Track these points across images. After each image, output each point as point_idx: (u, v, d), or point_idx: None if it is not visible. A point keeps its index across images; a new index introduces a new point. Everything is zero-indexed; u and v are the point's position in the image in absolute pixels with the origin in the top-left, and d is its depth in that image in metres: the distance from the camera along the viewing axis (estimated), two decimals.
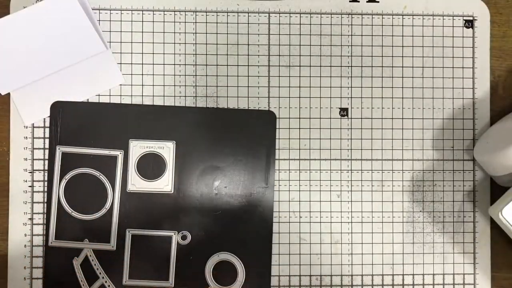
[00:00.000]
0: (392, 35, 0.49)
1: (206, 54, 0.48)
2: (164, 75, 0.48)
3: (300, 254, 0.48)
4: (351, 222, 0.48)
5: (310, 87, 0.48)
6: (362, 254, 0.48)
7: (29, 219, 0.47)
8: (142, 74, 0.48)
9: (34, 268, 0.47)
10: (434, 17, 0.49)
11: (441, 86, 0.49)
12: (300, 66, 0.48)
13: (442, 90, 0.49)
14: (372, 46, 0.49)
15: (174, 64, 0.48)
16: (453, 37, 0.49)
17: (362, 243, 0.48)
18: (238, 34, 0.48)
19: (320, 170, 0.48)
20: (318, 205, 0.48)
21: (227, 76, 0.48)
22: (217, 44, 0.48)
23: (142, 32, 0.48)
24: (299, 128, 0.48)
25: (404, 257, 0.49)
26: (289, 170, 0.48)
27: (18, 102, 0.47)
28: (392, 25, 0.49)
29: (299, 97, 0.48)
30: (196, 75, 0.48)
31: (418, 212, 0.49)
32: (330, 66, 0.48)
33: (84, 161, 0.47)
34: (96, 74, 0.47)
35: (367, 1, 0.49)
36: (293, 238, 0.48)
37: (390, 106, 0.49)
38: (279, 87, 0.48)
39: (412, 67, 0.49)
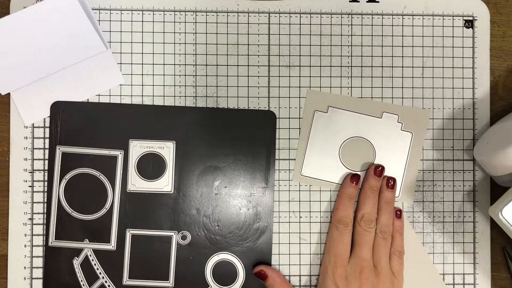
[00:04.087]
0: (392, 35, 0.49)
1: (206, 54, 0.48)
2: (164, 75, 0.48)
3: (300, 254, 0.48)
4: None
5: (310, 87, 0.48)
6: None
7: (29, 219, 0.47)
8: (142, 74, 0.48)
9: (34, 268, 0.47)
10: (434, 17, 0.49)
11: (441, 86, 0.49)
12: (300, 66, 0.48)
13: (442, 90, 0.49)
14: (372, 46, 0.49)
15: (174, 64, 0.48)
16: (453, 37, 0.49)
17: None
18: (238, 34, 0.48)
19: None
20: (318, 205, 0.48)
21: (227, 76, 0.48)
22: (217, 44, 0.48)
23: (142, 32, 0.48)
24: (299, 128, 0.48)
25: None
26: (289, 170, 0.48)
27: (18, 102, 0.47)
28: (392, 25, 0.49)
29: (299, 97, 0.48)
30: (196, 75, 0.48)
31: (418, 212, 0.49)
32: (330, 66, 0.48)
33: (84, 161, 0.47)
34: (96, 74, 0.47)
35: (367, 1, 0.49)
36: (293, 238, 0.48)
37: None
38: (279, 87, 0.48)
39: (412, 67, 0.49)
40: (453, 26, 0.49)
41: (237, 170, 0.47)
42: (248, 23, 0.48)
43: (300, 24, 0.49)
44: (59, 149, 0.47)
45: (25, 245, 0.47)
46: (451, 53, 0.49)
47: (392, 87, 0.49)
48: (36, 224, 0.47)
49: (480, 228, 0.49)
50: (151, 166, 0.47)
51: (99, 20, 0.48)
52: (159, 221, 0.47)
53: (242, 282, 0.47)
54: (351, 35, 0.49)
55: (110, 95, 0.48)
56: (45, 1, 0.44)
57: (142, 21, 0.48)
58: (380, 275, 0.44)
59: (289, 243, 0.48)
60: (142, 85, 0.48)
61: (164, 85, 0.48)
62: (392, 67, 0.49)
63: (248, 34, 0.48)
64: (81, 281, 0.47)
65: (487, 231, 0.49)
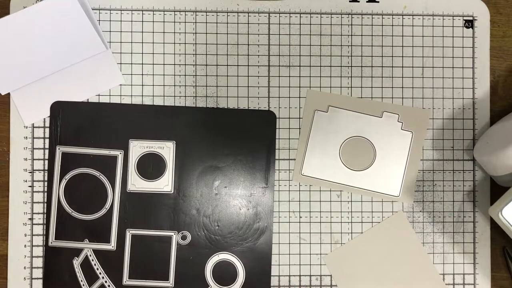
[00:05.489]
0: (392, 35, 0.49)
1: (206, 54, 0.48)
2: (164, 75, 0.48)
3: (300, 254, 0.48)
4: (351, 222, 0.48)
5: (310, 87, 0.48)
6: None
7: (29, 219, 0.47)
8: (142, 74, 0.48)
9: (34, 268, 0.47)
10: (434, 17, 0.49)
11: (441, 86, 0.49)
12: (300, 66, 0.48)
13: (442, 90, 0.49)
14: (372, 46, 0.49)
15: (174, 64, 0.48)
16: (453, 37, 0.49)
17: None
18: (238, 34, 0.48)
19: None
20: (318, 205, 0.48)
21: (227, 76, 0.48)
22: (217, 44, 0.48)
23: (142, 32, 0.48)
24: (299, 128, 0.48)
25: None
26: (289, 170, 0.48)
27: (18, 102, 0.47)
28: (392, 25, 0.49)
29: (299, 97, 0.48)
30: (196, 75, 0.48)
31: (418, 212, 0.49)
32: (330, 66, 0.48)
33: (84, 161, 0.47)
34: (96, 74, 0.47)
35: (367, 1, 0.49)
36: (293, 238, 0.48)
37: None
38: (279, 87, 0.48)
39: (412, 67, 0.49)
40: (453, 26, 0.49)
41: (237, 170, 0.47)
42: (248, 23, 0.48)
43: (300, 24, 0.49)
44: (59, 149, 0.47)
45: (25, 245, 0.47)
46: (451, 53, 0.49)
47: (392, 87, 0.49)
48: (36, 224, 0.47)
49: (480, 228, 0.49)
50: (151, 166, 0.47)
51: (99, 20, 0.48)
52: (159, 221, 0.47)
53: (242, 282, 0.47)
54: (351, 35, 0.49)
55: (110, 95, 0.48)
56: (45, 1, 0.44)
57: (142, 21, 0.48)
58: None
59: (289, 243, 0.48)
60: (142, 85, 0.48)
61: (164, 85, 0.48)
62: (392, 67, 0.49)
63: (248, 34, 0.48)
64: (81, 281, 0.47)
65: (487, 231, 0.49)
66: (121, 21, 0.48)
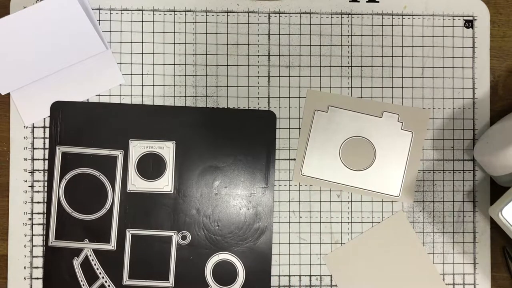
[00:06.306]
0: (392, 35, 0.49)
1: (206, 54, 0.48)
2: (164, 75, 0.48)
3: (300, 254, 0.48)
4: (351, 222, 0.48)
5: (310, 87, 0.48)
6: None
7: (29, 219, 0.47)
8: (142, 74, 0.48)
9: (34, 268, 0.47)
10: (434, 17, 0.49)
11: (441, 86, 0.49)
12: (300, 66, 0.48)
13: (442, 90, 0.49)
14: (372, 46, 0.49)
15: (174, 64, 0.48)
16: (453, 37, 0.49)
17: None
18: (238, 34, 0.48)
19: None
20: (318, 205, 0.48)
21: (227, 76, 0.48)
22: (217, 44, 0.48)
23: (142, 32, 0.48)
24: (299, 128, 0.48)
25: None
26: (289, 170, 0.48)
27: (18, 102, 0.47)
28: (392, 25, 0.49)
29: (299, 97, 0.48)
30: (196, 75, 0.48)
31: (418, 212, 0.49)
32: (330, 66, 0.48)
33: (84, 161, 0.47)
34: (96, 74, 0.47)
35: (367, 1, 0.49)
36: (293, 238, 0.48)
37: None
38: (279, 87, 0.48)
39: (412, 67, 0.49)
40: (453, 26, 0.49)
41: (237, 170, 0.47)
42: (248, 23, 0.48)
43: (300, 24, 0.49)
44: (59, 149, 0.47)
45: (25, 245, 0.47)
46: (451, 53, 0.49)
47: (392, 87, 0.49)
48: (36, 224, 0.47)
49: (480, 228, 0.49)
50: (151, 166, 0.47)
51: (99, 20, 0.48)
52: (159, 221, 0.47)
53: (242, 282, 0.47)
54: (351, 35, 0.49)
55: (110, 95, 0.48)
56: (45, 1, 0.44)
57: (142, 21, 0.48)
58: None
59: (289, 243, 0.48)
60: (142, 85, 0.48)
61: (164, 85, 0.48)
62: (392, 67, 0.49)
63: (248, 34, 0.48)
64: (81, 281, 0.47)
65: (487, 231, 0.49)
66: (121, 21, 0.48)
